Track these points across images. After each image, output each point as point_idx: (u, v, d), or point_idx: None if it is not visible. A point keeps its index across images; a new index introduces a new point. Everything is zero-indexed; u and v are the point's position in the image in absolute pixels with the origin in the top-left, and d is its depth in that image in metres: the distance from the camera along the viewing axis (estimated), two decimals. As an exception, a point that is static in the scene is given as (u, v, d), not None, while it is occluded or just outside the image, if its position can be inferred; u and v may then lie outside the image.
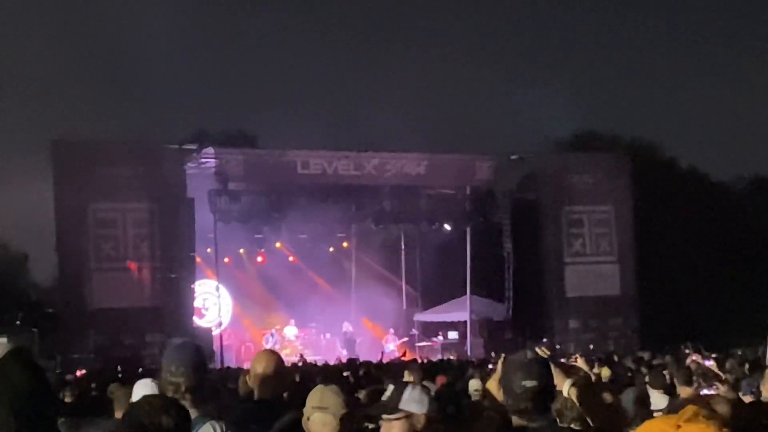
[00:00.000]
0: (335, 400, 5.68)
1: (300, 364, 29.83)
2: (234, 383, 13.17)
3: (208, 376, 6.83)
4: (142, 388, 7.87)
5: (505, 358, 7.81)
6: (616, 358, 25.92)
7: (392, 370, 20.39)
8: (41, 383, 4.21)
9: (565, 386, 6.09)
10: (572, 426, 6.55)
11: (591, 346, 36.59)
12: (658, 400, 12.19)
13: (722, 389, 11.51)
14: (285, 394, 7.10)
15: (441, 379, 16.07)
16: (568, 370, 6.60)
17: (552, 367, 5.69)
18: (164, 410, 4.37)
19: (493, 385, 7.76)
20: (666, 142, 60.39)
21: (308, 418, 5.71)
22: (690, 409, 3.17)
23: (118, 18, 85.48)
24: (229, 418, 6.39)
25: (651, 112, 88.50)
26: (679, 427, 3.17)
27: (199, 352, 6.57)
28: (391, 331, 41.91)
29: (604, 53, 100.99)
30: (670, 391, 12.70)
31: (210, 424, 6.08)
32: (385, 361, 32.72)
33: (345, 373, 20.79)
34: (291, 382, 7.98)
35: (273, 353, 7.35)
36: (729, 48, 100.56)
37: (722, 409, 7.87)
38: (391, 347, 40.48)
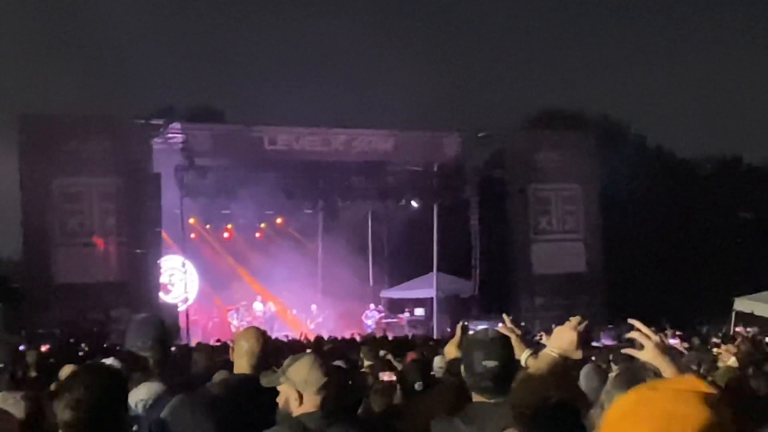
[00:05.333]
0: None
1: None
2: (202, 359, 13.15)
3: (174, 352, 6.83)
4: None
5: (463, 324, 7.82)
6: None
7: (357, 347, 20.37)
8: None
9: (523, 356, 6.09)
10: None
11: (553, 326, 36.69)
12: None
13: (683, 367, 11.58)
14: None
15: (411, 356, 16.11)
16: (529, 345, 6.59)
17: (512, 339, 5.68)
18: (88, 382, 4.40)
19: (451, 349, 7.78)
20: (633, 120, 60.74)
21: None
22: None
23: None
24: (204, 392, 6.39)
25: (619, 91, 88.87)
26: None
27: (164, 327, 6.57)
28: (372, 306, 41.91)
29: (572, 31, 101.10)
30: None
31: (179, 399, 6.07)
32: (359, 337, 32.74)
33: (308, 350, 20.72)
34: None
35: (259, 330, 7.33)
36: (698, 28, 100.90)
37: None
38: (371, 323, 40.49)
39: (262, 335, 7.02)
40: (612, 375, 5.21)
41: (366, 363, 14.15)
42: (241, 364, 6.77)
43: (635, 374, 4.99)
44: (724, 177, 55.50)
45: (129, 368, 6.25)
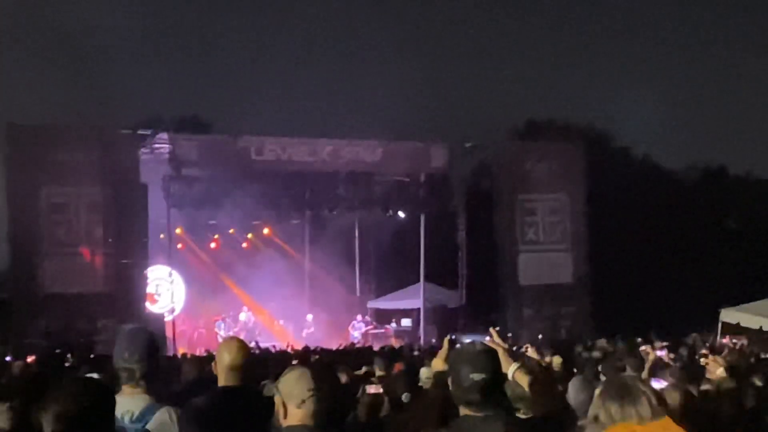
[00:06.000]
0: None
1: (255, 351, 29.79)
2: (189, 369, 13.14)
3: (161, 363, 6.82)
4: None
5: (451, 337, 7.85)
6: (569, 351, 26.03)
7: (343, 358, 20.37)
8: None
9: (510, 369, 6.12)
10: (520, 414, 6.60)
11: (540, 335, 36.79)
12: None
13: (670, 379, 11.63)
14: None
15: (399, 366, 16.12)
16: (516, 358, 6.63)
17: (499, 352, 5.69)
18: (75, 395, 4.43)
19: (438, 362, 7.80)
20: (620, 131, 60.97)
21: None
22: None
23: (73, 3, 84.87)
24: (190, 405, 6.40)
25: (605, 102, 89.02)
26: None
27: (151, 338, 6.57)
28: (359, 317, 41.92)
29: (558, 41, 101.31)
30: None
31: (165, 410, 6.09)
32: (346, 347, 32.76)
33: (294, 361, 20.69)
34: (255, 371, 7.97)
35: (241, 341, 7.33)
36: (683, 40, 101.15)
37: (673, 398, 7.96)
38: (357, 335, 40.49)
39: (244, 346, 6.99)
40: (599, 387, 5.22)
41: (378, 373, 14.19)
42: (225, 376, 6.77)
43: (624, 385, 5.02)
44: (709, 187, 55.70)
45: (116, 380, 6.27)
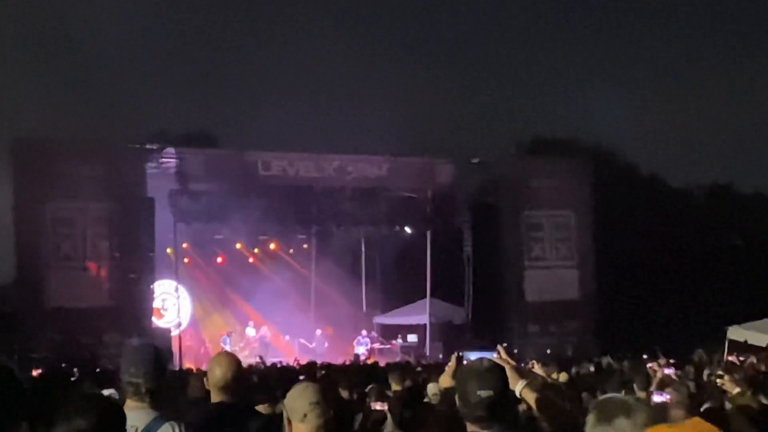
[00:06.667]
0: None
1: (261, 366, 29.73)
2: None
3: (168, 378, 6.80)
4: None
5: (458, 354, 7.82)
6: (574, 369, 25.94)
7: (349, 374, 20.29)
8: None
9: (518, 387, 6.11)
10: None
11: (548, 351, 36.74)
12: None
13: (675, 395, 11.58)
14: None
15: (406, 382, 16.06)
16: (525, 375, 6.60)
17: (507, 369, 5.68)
18: (84, 411, 4.42)
19: (446, 378, 7.77)
20: (626, 148, 60.80)
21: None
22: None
23: (80, 17, 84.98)
24: (186, 421, 6.37)
25: (612, 119, 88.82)
26: None
27: (158, 353, 6.56)
28: (363, 332, 41.83)
29: (564, 59, 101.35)
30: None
31: (169, 425, 6.07)
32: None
33: (301, 377, 20.60)
34: (248, 385, 7.96)
35: (231, 356, 7.32)
36: (690, 57, 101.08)
37: (678, 415, 7.94)
38: (362, 350, 40.39)
39: (234, 361, 6.99)
40: (592, 406, 5.18)
41: (394, 388, 14.14)
42: (216, 392, 6.75)
43: (618, 402, 4.99)
44: (716, 204, 55.62)
45: (122, 394, 6.26)
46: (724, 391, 12.06)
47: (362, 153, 39.48)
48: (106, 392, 8.80)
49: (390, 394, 13.00)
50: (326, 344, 41.19)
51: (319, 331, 41.82)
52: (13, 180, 33.48)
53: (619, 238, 45.31)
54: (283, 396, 5.88)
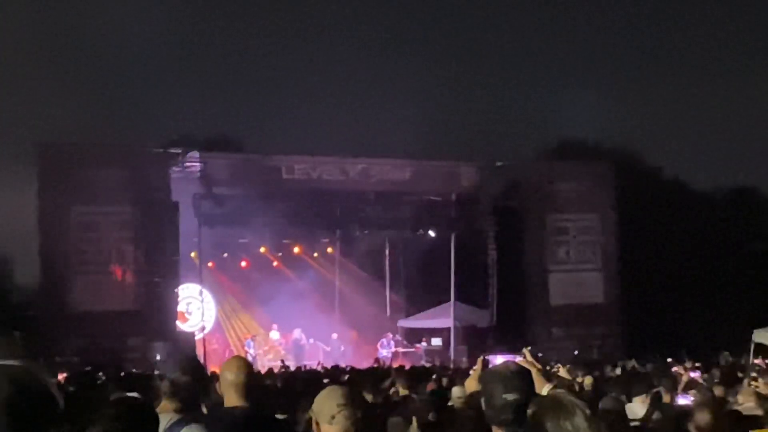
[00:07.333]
0: None
1: (282, 370, 29.77)
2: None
3: (196, 383, 6.82)
4: None
5: (484, 358, 7.80)
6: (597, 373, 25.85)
7: (373, 378, 20.29)
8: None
9: (543, 390, 6.09)
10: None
11: (576, 352, 36.71)
12: (637, 407, 12.20)
13: (700, 398, 11.55)
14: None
15: (431, 386, 16.05)
16: (551, 379, 6.58)
17: (533, 373, 5.67)
18: (117, 415, 4.43)
19: (471, 382, 7.76)
20: (649, 151, 60.75)
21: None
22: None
23: (103, 22, 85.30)
24: (208, 424, 6.39)
25: (635, 122, 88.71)
26: None
27: (189, 359, 6.59)
28: (389, 335, 41.77)
29: (589, 62, 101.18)
30: (651, 398, 12.69)
31: (190, 428, 6.08)
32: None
33: (325, 380, 20.56)
34: (261, 390, 7.94)
35: (242, 359, 7.32)
36: (712, 59, 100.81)
37: (704, 417, 7.91)
38: (385, 353, 40.34)
39: (246, 365, 6.98)
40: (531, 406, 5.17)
41: (402, 392, 14.13)
42: (230, 397, 6.75)
43: (557, 401, 4.97)
44: (740, 208, 55.37)
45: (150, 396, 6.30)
46: (759, 395, 12.00)
47: (386, 156, 39.47)
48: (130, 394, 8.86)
49: (397, 399, 12.99)
50: (342, 348, 41.12)
51: (335, 335, 41.74)
52: (38, 185, 33.62)
53: (643, 241, 45.21)
54: (309, 401, 5.89)
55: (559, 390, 5.26)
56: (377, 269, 45.78)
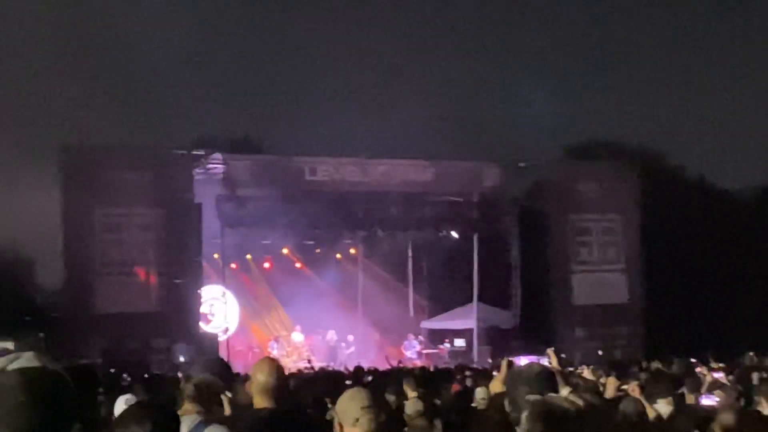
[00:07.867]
0: None
1: (307, 370, 29.77)
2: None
3: (222, 384, 6.85)
4: (121, 404, 8.15)
5: (509, 360, 7.79)
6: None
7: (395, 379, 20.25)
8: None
9: (562, 393, 6.07)
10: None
11: (600, 352, 36.64)
12: (662, 408, 12.14)
13: (724, 398, 11.48)
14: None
15: (456, 387, 16.03)
16: (569, 382, 6.57)
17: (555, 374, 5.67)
18: (139, 418, 4.44)
19: (496, 384, 7.74)
20: (673, 150, 60.46)
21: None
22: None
23: (126, 24, 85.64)
24: (234, 427, 6.39)
25: (658, 121, 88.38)
26: None
27: (216, 360, 6.62)
28: (411, 336, 41.74)
29: (612, 61, 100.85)
30: (676, 400, 12.62)
31: (213, 428, 6.10)
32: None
33: (348, 381, 20.50)
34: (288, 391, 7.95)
35: (273, 361, 7.32)
36: (737, 57, 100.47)
37: (727, 418, 7.87)
38: (410, 353, 40.32)
39: (276, 367, 6.99)
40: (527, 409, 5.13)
41: (410, 395, 14.09)
42: (260, 399, 6.75)
43: (548, 405, 4.94)
44: (765, 206, 55.09)
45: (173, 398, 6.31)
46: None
47: (408, 157, 39.47)
48: (123, 398, 9.02)
49: (405, 402, 12.96)
50: (352, 349, 41.11)
51: (351, 337, 41.73)
52: (62, 187, 33.72)
53: (667, 241, 45.03)
54: (332, 401, 5.90)
55: (554, 396, 5.23)
56: (400, 270, 45.77)
